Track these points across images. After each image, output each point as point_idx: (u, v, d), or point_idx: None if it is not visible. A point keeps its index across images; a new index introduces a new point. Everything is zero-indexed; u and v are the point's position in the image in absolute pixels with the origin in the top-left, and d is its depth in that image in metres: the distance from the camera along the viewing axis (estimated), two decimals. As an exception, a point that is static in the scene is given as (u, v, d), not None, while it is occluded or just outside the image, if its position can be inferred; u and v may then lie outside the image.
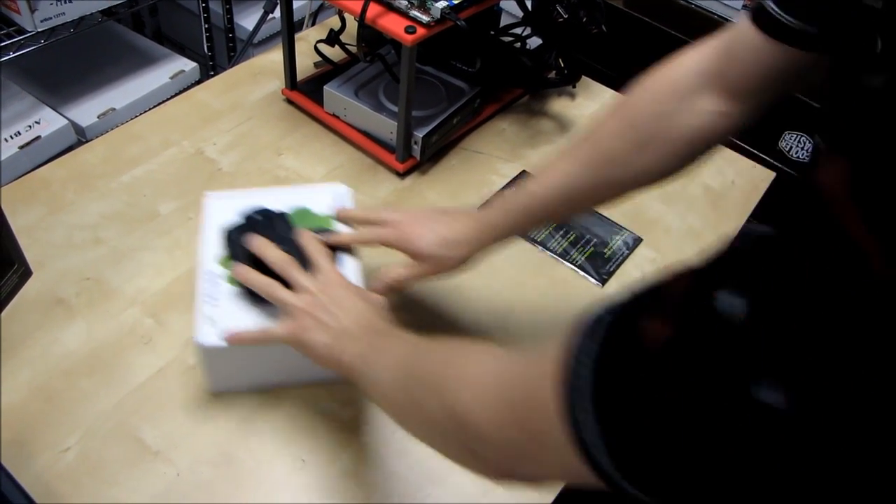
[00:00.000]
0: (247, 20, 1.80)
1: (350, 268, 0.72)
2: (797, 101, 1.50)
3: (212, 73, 1.73)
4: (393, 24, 0.85)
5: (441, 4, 0.85)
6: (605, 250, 0.93)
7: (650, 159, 0.64)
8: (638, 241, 0.94)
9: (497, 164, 1.04)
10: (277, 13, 1.27)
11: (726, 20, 1.70)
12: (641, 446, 0.31)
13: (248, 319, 0.67)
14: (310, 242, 0.68)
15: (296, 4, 0.99)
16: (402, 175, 0.99)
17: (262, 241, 0.67)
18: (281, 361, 0.71)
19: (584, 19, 1.02)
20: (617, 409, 0.32)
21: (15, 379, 0.73)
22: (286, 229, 0.71)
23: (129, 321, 0.79)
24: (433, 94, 1.03)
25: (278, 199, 0.76)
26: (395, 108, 0.99)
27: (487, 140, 1.08)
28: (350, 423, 0.73)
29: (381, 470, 0.70)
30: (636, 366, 0.32)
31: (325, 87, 1.01)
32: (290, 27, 0.99)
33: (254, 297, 0.67)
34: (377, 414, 0.74)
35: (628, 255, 0.93)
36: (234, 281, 0.68)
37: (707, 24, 1.72)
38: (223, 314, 0.67)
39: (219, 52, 1.76)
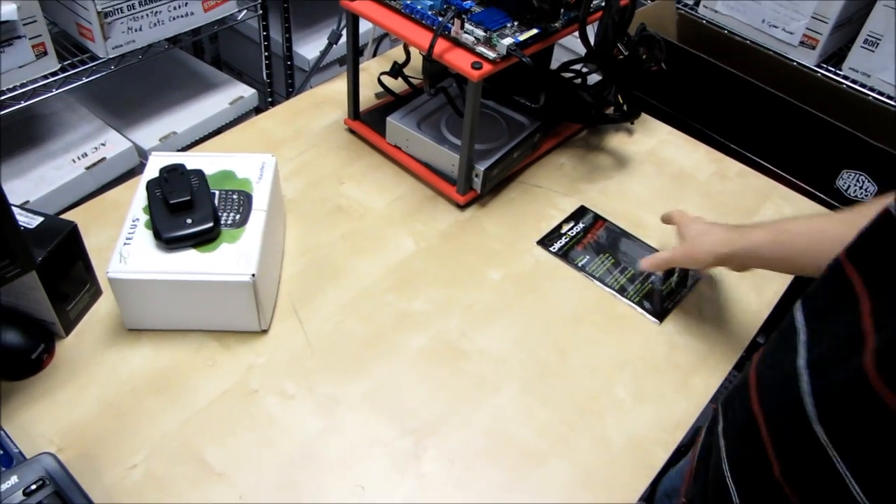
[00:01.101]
0: (304, 48, 1.85)
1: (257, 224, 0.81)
2: (855, 138, 1.49)
3: (269, 99, 1.77)
4: (459, 60, 0.87)
5: (507, 41, 0.87)
6: (662, 287, 0.93)
7: None
8: (696, 279, 0.94)
9: (555, 199, 1.05)
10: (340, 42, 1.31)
11: (780, 55, 1.70)
12: None
13: (156, 259, 0.77)
14: None
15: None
16: (463, 207, 1.01)
17: None
18: (188, 305, 0.79)
19: (644, 56, 1.03)
20: None
21: (85, 395, 0.75)
22: (198, 184, 0.82)
23: (193, 343, 0.81)
24: (494, 127, 1.05)
25: (211, 162, 0.87)
26: (457, 141, 1.00)
27: (546, 174, 1.09)
28: (408, 452, 0.74)
29: (439, 501, 0.70)
30: None
31: (388, 119, 1.03)
32: (356, 58, 1.01)
33: (163, 241, 0.77)
34: (435, 444, 0.74)
35: (686, 293, 0.93)
36: (149, 225, 0.79)
37: (761, 59, 1.72)
38: (135, 253, 0.77)
39: (277, 79, 1.80)
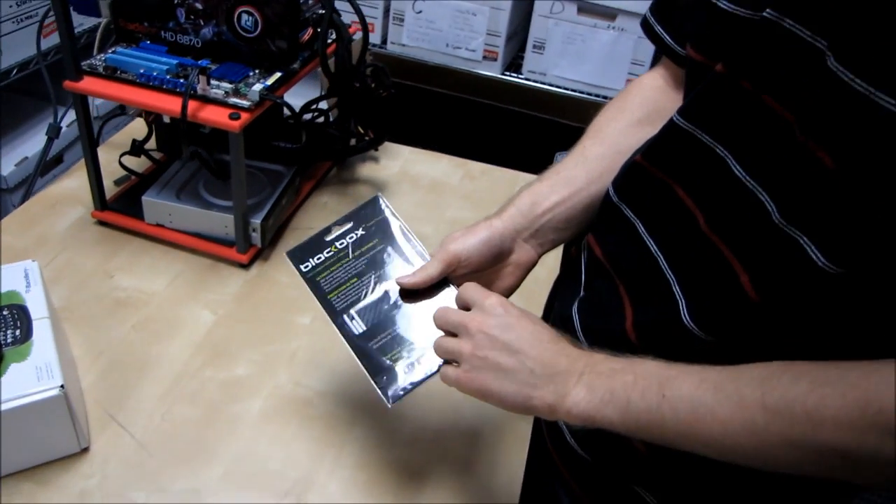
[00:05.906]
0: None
1: None
2: (556, 123, 1.68)
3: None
4: (215, 115, 0.85)
5: (257, 87, 0.86)
6: None
7: None
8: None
9: (333, 235, 1.05)
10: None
11: (470, 72, 1.86)
12: None
13: None
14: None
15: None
16: (247, 265, 0.97)
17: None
18: None
19: (373, 85, 1.08)
20: None
21: None
22: None
23: None
24: (255, 181, 1.03)
25: None
26: (223, 202, 0.97)
27: (314, 215, 1.09)
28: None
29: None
30: None
31: (143, 198, 0.97)
32: (93, 145, 0.94)
33: None
34: (316, 495, 0.71)
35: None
36: None
37: (456, 79, 1.87)
38: None
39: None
